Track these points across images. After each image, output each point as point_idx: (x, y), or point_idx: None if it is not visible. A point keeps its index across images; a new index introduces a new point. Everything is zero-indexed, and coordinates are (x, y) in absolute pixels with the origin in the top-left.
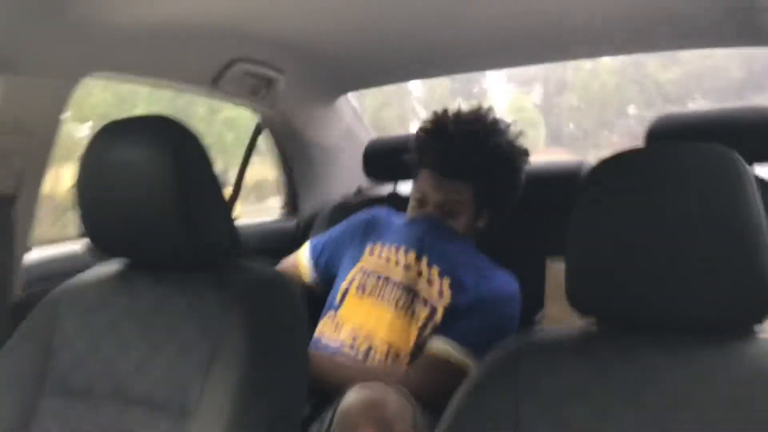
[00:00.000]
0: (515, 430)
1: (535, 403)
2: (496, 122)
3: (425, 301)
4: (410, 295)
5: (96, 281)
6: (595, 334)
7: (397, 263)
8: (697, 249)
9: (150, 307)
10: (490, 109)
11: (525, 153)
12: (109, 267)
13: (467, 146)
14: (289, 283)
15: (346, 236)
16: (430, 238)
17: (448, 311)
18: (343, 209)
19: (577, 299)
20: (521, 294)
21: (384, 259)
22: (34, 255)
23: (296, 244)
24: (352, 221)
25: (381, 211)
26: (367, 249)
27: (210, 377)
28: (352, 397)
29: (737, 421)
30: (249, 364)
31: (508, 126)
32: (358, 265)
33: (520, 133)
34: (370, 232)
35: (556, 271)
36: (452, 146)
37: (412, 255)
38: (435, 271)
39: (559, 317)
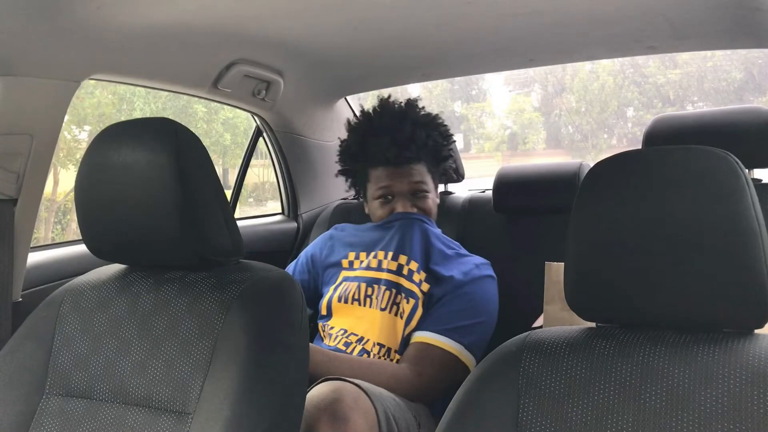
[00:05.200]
0: (516, 428)
1: (536, 402)
2: (407, 101)
3: (408, 296)
4: (394, 292)
5: (97, 282)
6: (594, 332)
7: (378, 266)
8: (695, 251)
9: (150, 308)
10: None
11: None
12: (110, 268)
13: (405, 129)
14: (289, 282)
15: (316, 256)
16: (408, 237)
17: (426, 302)
18: (344, 210)
19: (576, 303)
20: (521, 296)
21: (365, 264)
22: (36, 256)
23: (296, 245)
24: (319, 242)
25: (339, 226)
26: (345, 261)
27: (210, 377)
28: (310, 395)
29: (737, 421)
30: (249, 364)
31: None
32: (342, 275)
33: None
34: (341, 244)
35: (555, 270)
36: (393, 135)
37: (390, 254)
38: (414, 266)
39: (559, 317)
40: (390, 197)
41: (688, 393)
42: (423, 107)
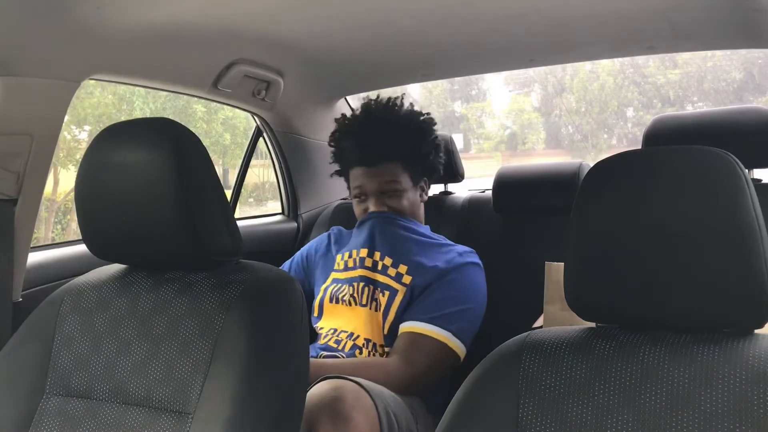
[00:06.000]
0: (516, 429)
1: (536, 402)
2: (389, 100)
3: (384, 290)
4: (371, 288)
5: (97, 282)
6: (595, 333)
7: (355, 264)
8: (695, 251)
9: (150, 308)
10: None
11: (428, 115)
12: (110, 268)
13: (377, 129)
14: (289, 282)
15: (311, 256)
16: (380, 234)
17: (411, 293)
18: (344, 210)
19: (576, 303)
20: (521, 296)
21: (347, 264)
22: (36, 256)
23: (296, 245)
24: (316, 242)
25: (334, 228)
26: (335, 262)
27: (210, 377)
28: (310, 394)
29: (737, 421)
30: (249, 364)
31: (401, 100)
32: (331, 276)
33: (411, 104)
34: (334, 246)
35: (555, 270)
36: (364, 136)
37: (364, 252)
38: (388, 261)
39: (559, 317)
40: (363, 196)
41: (689, 393)
42: (411, 104)
